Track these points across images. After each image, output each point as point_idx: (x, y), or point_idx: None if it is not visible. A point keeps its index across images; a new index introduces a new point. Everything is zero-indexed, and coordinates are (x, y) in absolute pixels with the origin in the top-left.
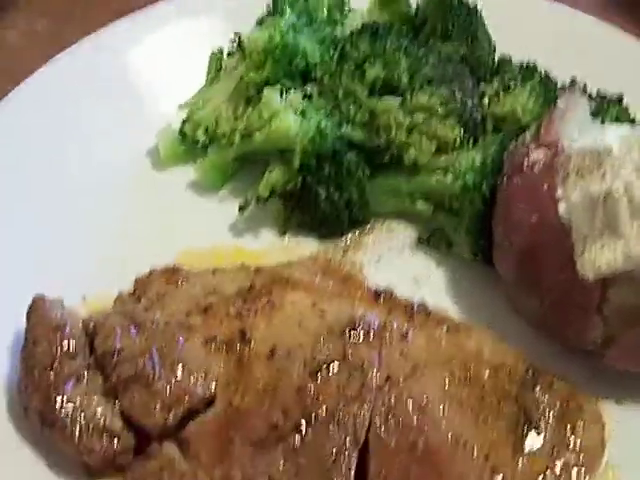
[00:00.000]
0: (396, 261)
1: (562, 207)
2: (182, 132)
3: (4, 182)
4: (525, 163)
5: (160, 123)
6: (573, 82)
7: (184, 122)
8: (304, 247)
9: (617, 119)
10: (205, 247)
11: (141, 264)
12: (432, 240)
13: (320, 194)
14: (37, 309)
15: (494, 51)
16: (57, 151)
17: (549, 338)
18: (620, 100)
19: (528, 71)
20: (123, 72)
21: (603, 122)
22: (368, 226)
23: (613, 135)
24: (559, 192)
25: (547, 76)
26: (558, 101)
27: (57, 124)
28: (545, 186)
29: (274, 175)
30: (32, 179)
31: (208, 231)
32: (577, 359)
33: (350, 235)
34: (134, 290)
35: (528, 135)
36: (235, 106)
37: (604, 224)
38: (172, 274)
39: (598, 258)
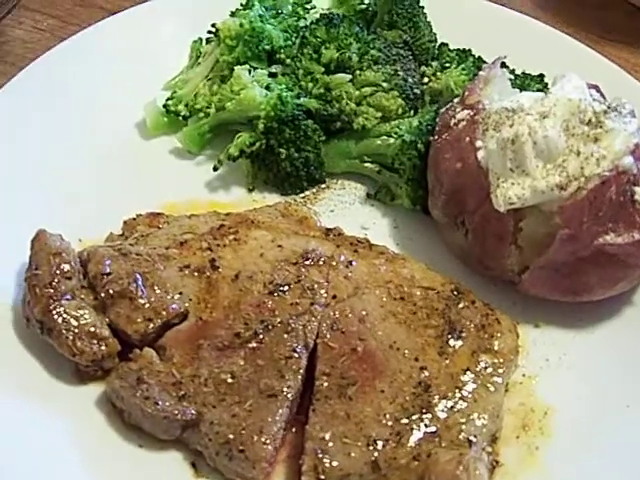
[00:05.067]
0: (347, 212)
1: (480, 154)
2: (166, 106)
3: (19, 147)
4: (452, 121)
5: (148, 101)
6: (497, 59)
7: (168, 99)
8: (269, 201)
9: (538, 92)
10: (184, 201)
11: (130, 215)
12: (378, 195)
13: (282, 154)
14: (40, 239)
15: (435, 40)
16: (64, 120)
17: (475, 270)
18: (541, 77)
19: (464, 54)
20: (118, 60)
21: None
22: (324, 184)
23: (527, 98)
24: (478, 142)
25: (480, 59)
26: (481, 71)
27: (69, 98)
28: (467, 138)
29: (242, 138)
30: (44, 144)
31: (187, 188)
32: (499, 290)
33: (308, 191)
34: (122, 232)
35: (456, 100)
36: (211, 85)
37: (514, 164)
38: (155, 218)
39: (509, 192)
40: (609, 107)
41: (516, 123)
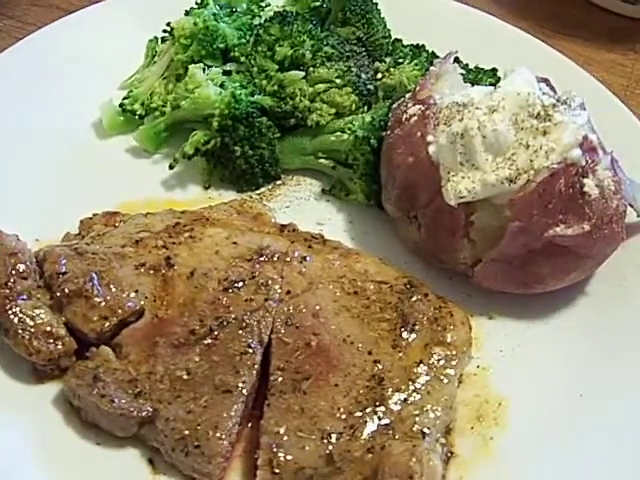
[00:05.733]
0: (302, 208)
1: (432, 149)
2: (122, 106)
3: None
4: (404, 116)
5: (104, 100)
6: (449, 54)
7: (124, 98)
8: (225, 198)
9: (491, 86)
10: (141, 199)
11: (87, 214)
12: (333, 190)
13: (237, 152)
14: None
15: (389, 36)
16: (21, 120)
17: (430, 263)
18: (494, 71)
19: (417, 50)
20: (75, 60)
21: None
22: (279, 181)
23: (477, 92)
24: (430, 137)
25: (433, 54)
26: (432, 66)
27: (26, 99)
28: (419, 133)
29: (197, 136)
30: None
31: (144, 186)
32: (454, 283)
33: (263, 188)
34: (79, 231)
35: (408, 95)
36: (167, 83)
37: (464, 158)
38: (111, 217)
39: (459, 186)
40: (558, 100)
41: (466, 117)
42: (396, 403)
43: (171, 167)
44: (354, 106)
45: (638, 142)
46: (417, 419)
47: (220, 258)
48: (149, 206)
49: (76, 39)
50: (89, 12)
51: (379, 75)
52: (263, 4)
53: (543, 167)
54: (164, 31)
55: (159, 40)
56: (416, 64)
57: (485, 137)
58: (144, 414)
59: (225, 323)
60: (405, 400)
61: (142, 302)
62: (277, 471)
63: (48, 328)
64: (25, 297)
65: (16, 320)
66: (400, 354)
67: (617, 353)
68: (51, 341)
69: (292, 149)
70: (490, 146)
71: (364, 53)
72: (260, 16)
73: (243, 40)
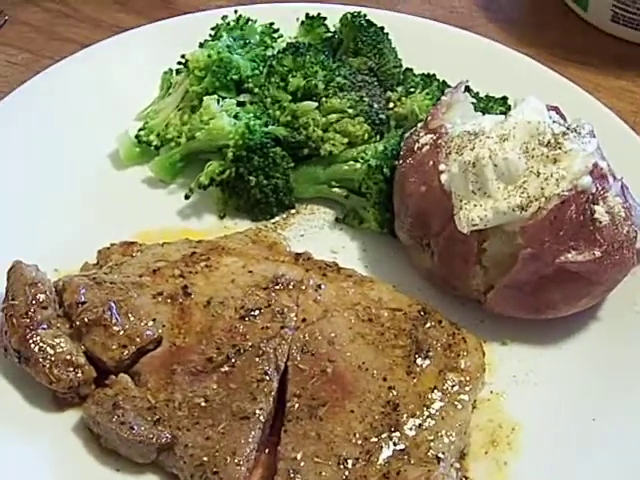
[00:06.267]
0: (316, 236)
1: (444, 177)
2: (138, 137)
3: None
4: (416, 146)
5: (121, 132)
6: (460, 83)
7: (140, 129)
8: (240, 227)
9: (501, 114)
10: (158, 229)
11: (104, 244)
12: (347, 219)
13: (251, 182)
14: (16, 270)
15: (400, 65)
16: (40, 151)
17: (442, 290)
18: (504, 100)
19: (428, 79)
20: (91, 92)
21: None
22: (293, 210)
23: (488, 121)
24: (442, 166)
25: (444, 83)
26: (443, 95)
27: (44, 130)
28: (431, 162)
29: (213, 166)
30: (19, 176)
31: (160, 216)
32: (467, 309)
33: (278, 217)
34: (97, 260)
35: (420, 125)
36: (182, 114)
37: (475, 186)
38: (128, 246)
39: (471, 214)
40: (568, 128)
41: (477, 146)
42: (411, 429)
43: (187, 197)
44: (366, 135)
45: None
46: (432, 444)
47: (236, 287)
48: (165, 235)
49: (92, 72)
50: (105, 45)
51: (391, 104)
52: (276, 36)
53: (554, 194)
54: (179, 63)
55: (174, 72)
56: (427, 93)
57: (496, 165)
58: (163, 441)
59: (242, 351)
60: (420, 425)
61: (160, 330)
62: None
63: (68, 357)
64: (45, 326)
65: (37, 349)
66: (414, 380)
67: (629, 377)
68: (71, 369)
69: (306, 178)
70: (501, 174)
71: (376, 83)
72: (273, 47)
73: (256, 71)
